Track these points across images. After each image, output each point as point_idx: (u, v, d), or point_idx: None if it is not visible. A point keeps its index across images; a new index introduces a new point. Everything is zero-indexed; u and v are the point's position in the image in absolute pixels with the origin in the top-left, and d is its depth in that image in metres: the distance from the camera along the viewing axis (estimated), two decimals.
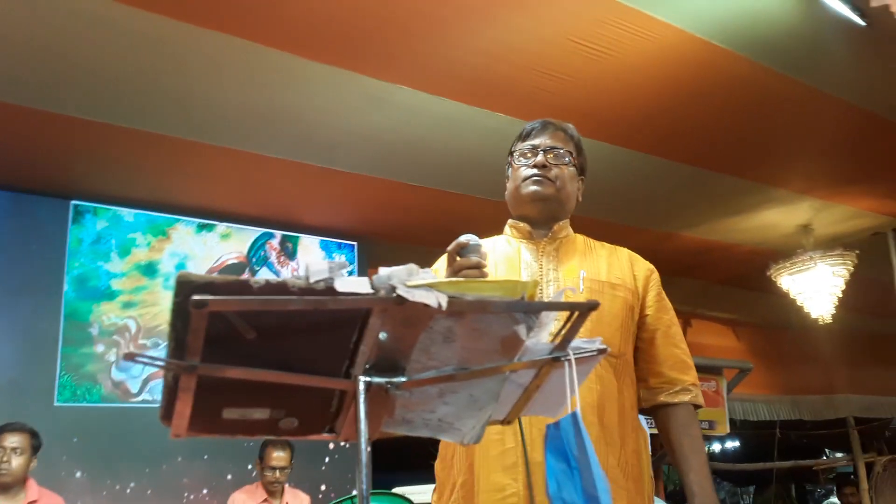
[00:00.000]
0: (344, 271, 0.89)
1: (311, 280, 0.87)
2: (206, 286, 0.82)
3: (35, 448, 3.42)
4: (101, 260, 4.45)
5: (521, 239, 1.82)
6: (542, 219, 1.80)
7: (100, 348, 4.32)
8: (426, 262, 1.15)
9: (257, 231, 4.99)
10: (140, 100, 3.52)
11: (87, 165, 4.14)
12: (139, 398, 4.40)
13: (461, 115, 3.75)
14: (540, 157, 1.78)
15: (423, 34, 3.17)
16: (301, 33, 3.12)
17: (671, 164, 4.40)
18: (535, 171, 1.77)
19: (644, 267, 1.83)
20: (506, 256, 1.79)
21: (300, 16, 3.00)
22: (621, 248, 1.86)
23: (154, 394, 4.41)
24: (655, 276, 1.84)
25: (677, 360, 1.78)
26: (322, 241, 5.23)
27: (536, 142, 1.81)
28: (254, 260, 4.96)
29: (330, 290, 0.88)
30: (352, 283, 0.89)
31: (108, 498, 4.12)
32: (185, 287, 0.82)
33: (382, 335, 1.00)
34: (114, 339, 4.37)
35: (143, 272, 4.56)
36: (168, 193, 4.55)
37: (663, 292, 1.84)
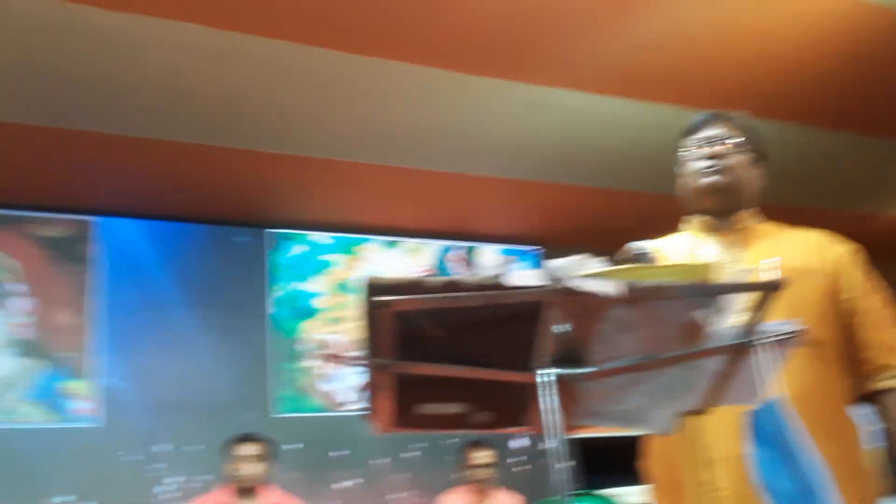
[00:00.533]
0: (514, 267, 0.92)
1: (482, 276, 0.91)
2: (389, 288, 0.89)
3: (269, 455, 3.76)
4: (302, 281, 4.82)
5: (703, 233, 1.78)
6: (721, 210, 1.75)
7: (308, 363, 4.67)
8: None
9: (442, 244, 5.18)
10: (316, 130, 3.79)
11: (279, 195, 4.50)
12: (347, 407, 4.72)
13: (625, 110, 3.70)
14: (711, 149, 1.74)
15: (577, 34, 3.17)
16: (458, 49, 3.23)
17: (863, 138, 4.08)
18: (707, 162, 1.73)
19: (841, 249, 1.72)
20: (688, 252, 1.76)
21: (455, 34, 3.12)
22: (816, 232, 1.76)
23: (361, 402, 4.66)
24: (857, 257, 1.72)
25: (885, 344, 1.65)
26: (505, 249, 5.32)
27: (705, 134, 1.77)
28: (441, 272, 5.15)
29: (500, 285, 0.91)
30: (521, 277, 0.92)
31: (322, 499, 4.43)
32: (371, 289, 0.89)
33: (559, 327, 1.01)
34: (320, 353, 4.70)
35: (342, 290, 4.88)
36: (354, 215, 4.83)
37: (869, 273, 1.71)
